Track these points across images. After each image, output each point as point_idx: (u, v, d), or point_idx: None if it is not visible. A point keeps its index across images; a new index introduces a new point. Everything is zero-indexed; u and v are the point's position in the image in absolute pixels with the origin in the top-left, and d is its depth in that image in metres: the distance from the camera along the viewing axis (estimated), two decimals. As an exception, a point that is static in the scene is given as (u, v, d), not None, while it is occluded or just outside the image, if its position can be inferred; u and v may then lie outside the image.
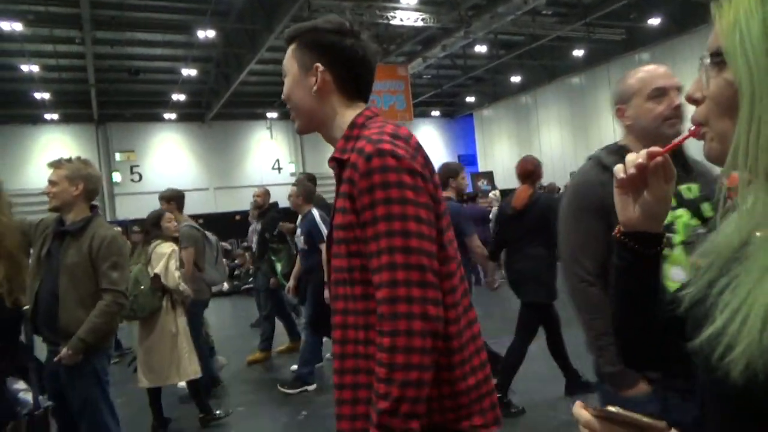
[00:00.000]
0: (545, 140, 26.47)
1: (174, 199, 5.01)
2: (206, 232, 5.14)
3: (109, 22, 15.68)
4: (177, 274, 4.13)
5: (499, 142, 30.14)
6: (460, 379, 1.20)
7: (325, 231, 4.61)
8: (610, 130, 23.16)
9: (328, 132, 1.35)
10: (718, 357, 0.57)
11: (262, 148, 27.17)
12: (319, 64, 1.31)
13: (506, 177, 27.34)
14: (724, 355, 0.56)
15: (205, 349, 5.00)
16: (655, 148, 0.78)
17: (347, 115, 1.32)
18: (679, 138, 0.83)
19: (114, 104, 23.46)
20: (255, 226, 6.80)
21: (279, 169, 29.11)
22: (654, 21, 18.33)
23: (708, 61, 0.67)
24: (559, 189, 12.06)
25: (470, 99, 29.72)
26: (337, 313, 1.25)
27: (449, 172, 4.47)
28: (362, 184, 1.16)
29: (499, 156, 30.01)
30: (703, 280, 0.68)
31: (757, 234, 0.60)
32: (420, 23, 16.13)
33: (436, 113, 31.75)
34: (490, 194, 11.54)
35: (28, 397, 1.71)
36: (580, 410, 0.71)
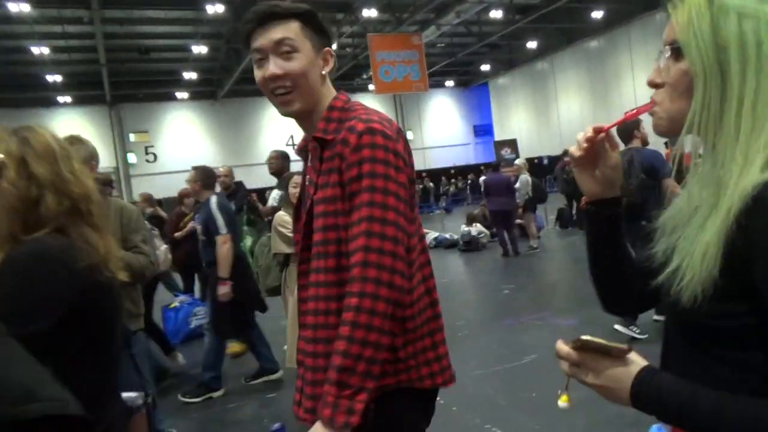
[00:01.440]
0: (563, 108, 25.88)
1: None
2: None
3: (117, 0, 15.42)
4: (279, 240, 3.89)
5: (515, 111, 29.57)
6: (418, 340, 1.31)
7: (221, 221, 4.20)
8: (631, 95, 22.54)
9: (314, 115, 1.37)
10: (675, 288, 0.75)
11: (275, 125, 26.92)
12: (330, 49, 1.39)
13: (524, 146, 26.88)
14: (678, 285, 0.74)
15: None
16: (600, 124, 0.92)
17: (329, 99, 1.38)
18: (631, 112, 0.92)
19: (126, 84, 23.32)
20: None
21: (293, 145, 28.88)
22: (677, -22, 17.58)
23: (668, 53, 0.79)
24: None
25: (485, 67, 29.10)
26: (309, 286, 1.32)
27: (632, 124, 4.63)
28: (353, 157, 1.24)
29: (516, 125, 29.45)
30: (670, 238, 0.83)
31: (702, 196, 0.76)
32: (433, -11, 15.64)
33: (450, 83, 31.17)
34: (516, 162, 11.12)
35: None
36: (560, 344, 0.84)
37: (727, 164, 0.71)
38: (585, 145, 0.91)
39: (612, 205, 0.97)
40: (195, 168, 4.67)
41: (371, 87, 19.70)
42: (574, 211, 12.03)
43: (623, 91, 22.98)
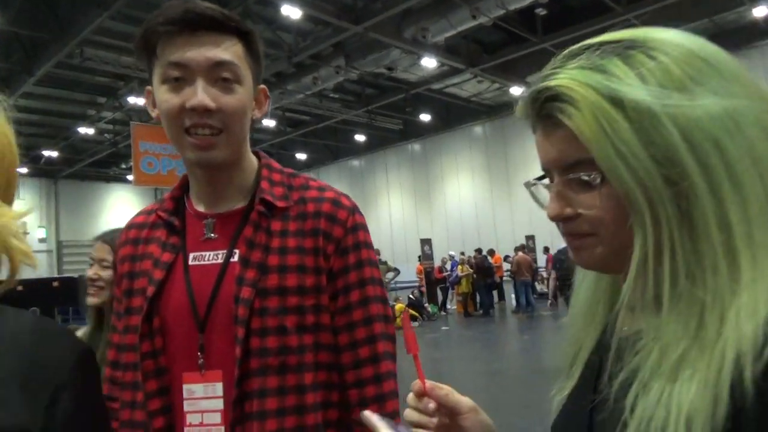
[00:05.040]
0: (327, 217, 27.34)
1: None
2: None
3: None
4: None
5: (281, 216, 30.25)
6: None
7: None
8: (386, 212, 24.86)
9: (234, 171, 1.04)
10: None
11: None
12: (265, 88, 1.07)
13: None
14: None
15: None
16: (419, 385, 0.69)
17: (250, 154, 1.09)
18: (410, 338, 0.70)
19: None
20: None
21: (24, 233, 24.81)
22: (425, 117, 20.60)
23: (575, 175, 0.58)
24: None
25: (254, 172, 29.63)
26: (271, 415, 0.91)
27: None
28: (349, 240, 1.01)
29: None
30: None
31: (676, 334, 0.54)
32: (208, 89, 15.62)
33: (217, 183, 30.74)
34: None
35: None
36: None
37: (724, 302, 0.51)
38: (435, 419, 0.68)
39: None
40: None
41: (129, 177, 18.33)
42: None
43: (380, 208, 25.28)
